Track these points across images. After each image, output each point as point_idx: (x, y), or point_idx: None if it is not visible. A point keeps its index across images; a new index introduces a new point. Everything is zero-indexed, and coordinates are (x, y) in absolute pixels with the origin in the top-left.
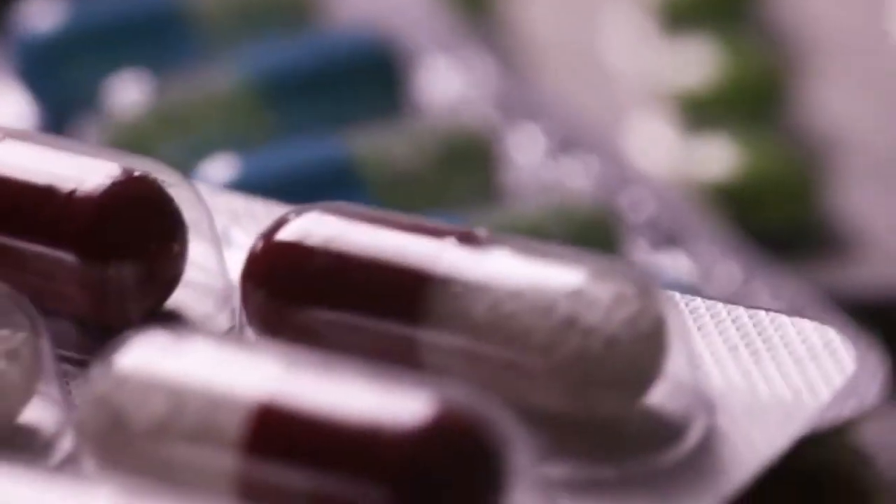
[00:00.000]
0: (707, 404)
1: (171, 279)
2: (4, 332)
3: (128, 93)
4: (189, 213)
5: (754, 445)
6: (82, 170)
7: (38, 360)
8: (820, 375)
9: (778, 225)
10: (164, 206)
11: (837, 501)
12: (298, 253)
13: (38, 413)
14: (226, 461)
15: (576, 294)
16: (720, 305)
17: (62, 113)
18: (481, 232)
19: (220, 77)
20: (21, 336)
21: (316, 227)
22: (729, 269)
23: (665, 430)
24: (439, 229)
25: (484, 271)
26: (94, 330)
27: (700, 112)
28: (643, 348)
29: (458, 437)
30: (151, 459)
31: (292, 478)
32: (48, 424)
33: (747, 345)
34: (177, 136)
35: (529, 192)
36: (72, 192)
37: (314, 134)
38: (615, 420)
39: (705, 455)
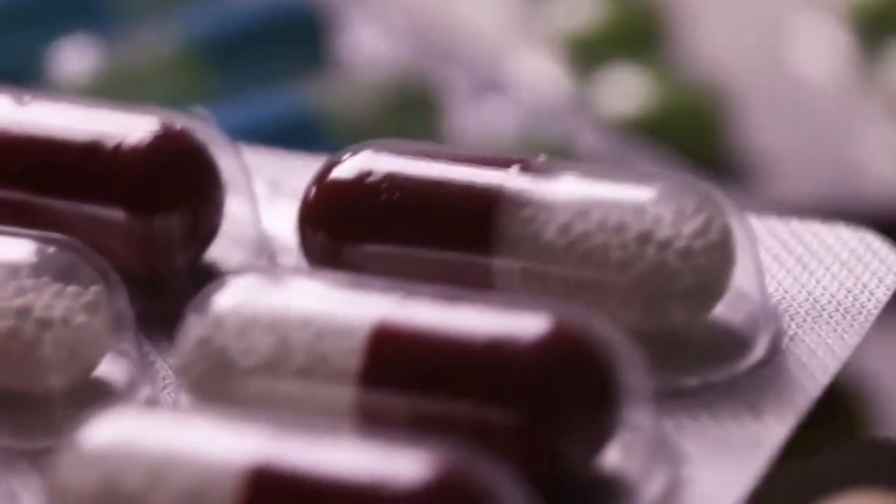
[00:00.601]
0: (774, 310)
1: (212, 230)
2: (74, 288)
3: (72, 61)
4: (224, 164)
5: (828, 347)
6: (122, 126)
7: (115, 312)
8: (870, 276)
9: (684, 155)
10: (205, 159)
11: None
12: (361, 191)
13: (111, 365)
14: (343, 392)
15: (646, 210)
16: (752, 217)
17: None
18: (539, 158)
19: (162, 41)
20: (95, 289)
21: (373, 164)
22: None
23: (738, 337)
24: (497, 159)
25: (550, 195)
26: (140, 283)
27: (589, 52)
28: (715, 258)
29: (577, 355)
30: (260, 396)
31: (413, 403)
32: (122, 375)
33: (790, 252)
34: (125, 99)
35: (473, 132)
36: (116, 148)
37: (254, 91)
38: (689, 331)
39: (783, 358)
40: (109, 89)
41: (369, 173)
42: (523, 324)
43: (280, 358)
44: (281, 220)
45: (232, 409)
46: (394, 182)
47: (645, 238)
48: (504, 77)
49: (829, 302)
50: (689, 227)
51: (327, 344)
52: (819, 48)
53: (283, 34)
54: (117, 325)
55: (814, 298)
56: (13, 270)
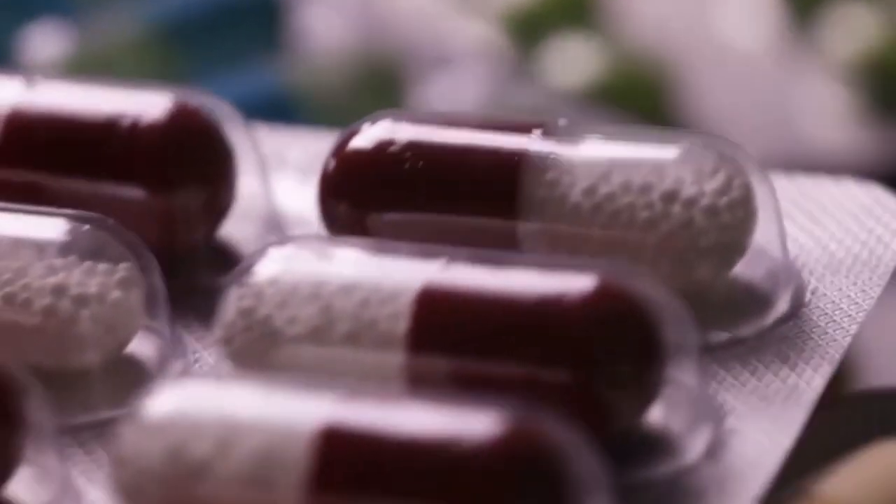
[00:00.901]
0: (794, 265)
1: (226, 205)
2: (105, 265)
3: (42, 46)
4: (236, 141)
5: (851, 298)
6: (136, 105)
7: (148, 287)
8: (883, 229)
9: (634, 122)
10: (219, 135)
11: None
12: (384, 160)
13: (142, 340)
14: (391, 356)
15: (668, 169)
16: None
17: None
18: (560, 122)
19: (129, 25)
20: (125, 266)
21: (394, 133)
22: None
23: (761, 292)
24: (518, 123)
25: (573, 158)
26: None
27: (529, 25)
28: (738, 215)
29: (625, 310)
30: (306, 364)
31: (462, 363)
32: (154, 350)
33: (800, 208)
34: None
35: (436, 105)
36: (133, 127)
37: (221, 71)
38: (713, 287)
39: (808, 312)
40: (80, 73)
41: (391, 142)
42: (569, 282)
43: (325, 325)
44: (287, 194)
45: (292, 376)
46: (417, 150)
47: (670, 197)
48: (455, 51)
49: (846, 255)
50: (711, 185)
51: (373, 309)
52: (750, 14)
53: (243, 15)
54: (150, 300)
55: (830, 252)
56: (42, 250)
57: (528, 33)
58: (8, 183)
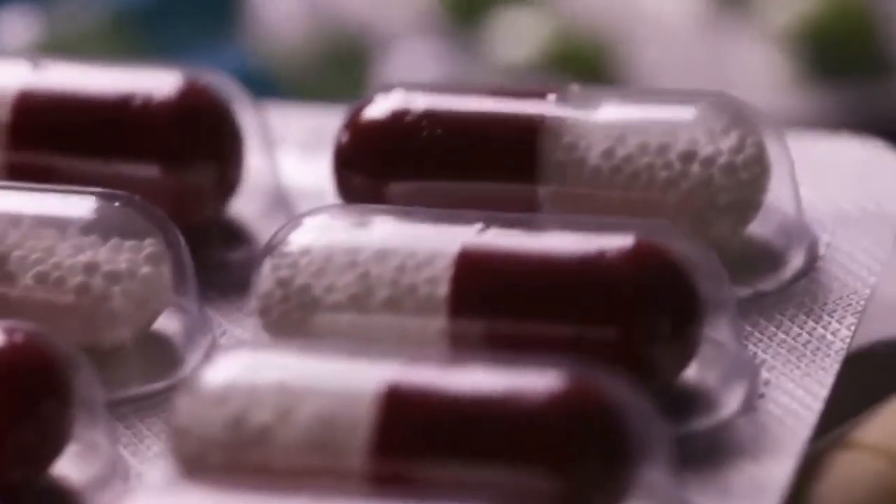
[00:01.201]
0: (807, 220)
1: (236, 182)
2: (132, 241)
3: (12, 32)
4: (243, 118)
5: (866, 251)
6: (146, 83)
7: (176, 262)
8: (887, 182)
9: None
10: (229, 112)
11: None
12: (401, 129)
13: (170, 316)
14: (433, 320)
15: (683, 129)
16: None
17: None
18: (574, 88)
19: (95, 9)
20: (151, 241)
21: (408, 103)
22: None
23: (777, 247)
24: (532, 90)
25: (590, 121)
26: None
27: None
28: (755, 172)
29: (667, 268)
30: (346, 331)
31: (505, 324)
32: (182, 325)
33: (805, 164)
34: None
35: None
36: (145, 104)
37: (186, 53)
38: (730, 244)
39: (825, 265)
40: (49, 55)
41: (406, 112)
42: (608, 241)
43: (364, 292)
44: (289, 169)
45: (335, 343)
46: (433, 118)
47: (689, 156)
48: (402, 28)
49: (854, 209)
50: (726, 144)
51: (410, 274)
52: None
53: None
54: (178, 275)
55: (838, 206)
56: (68, 228)
57: (471, 9)
58: (20, 164)
